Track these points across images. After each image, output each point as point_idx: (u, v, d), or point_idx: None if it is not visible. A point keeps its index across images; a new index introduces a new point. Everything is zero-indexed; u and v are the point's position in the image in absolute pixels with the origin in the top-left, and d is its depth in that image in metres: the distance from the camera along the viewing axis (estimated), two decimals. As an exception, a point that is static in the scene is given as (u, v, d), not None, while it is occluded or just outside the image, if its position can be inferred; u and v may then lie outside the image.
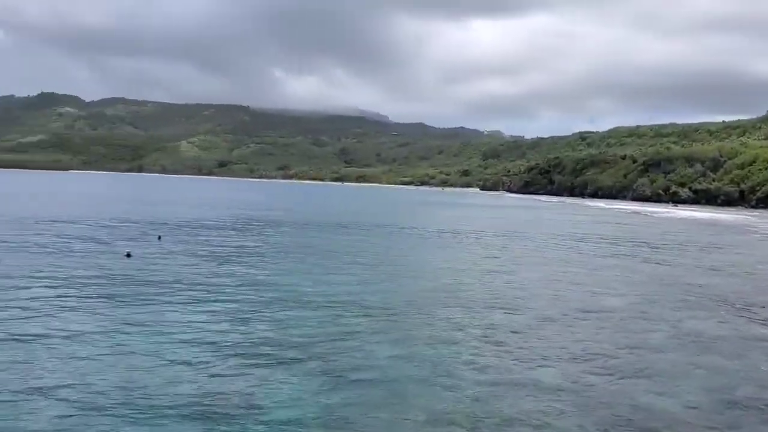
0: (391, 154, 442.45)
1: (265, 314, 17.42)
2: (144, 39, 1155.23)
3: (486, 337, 15.68)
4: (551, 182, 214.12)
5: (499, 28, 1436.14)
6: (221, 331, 15.47)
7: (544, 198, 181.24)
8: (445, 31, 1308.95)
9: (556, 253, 37.56)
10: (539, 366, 13.44)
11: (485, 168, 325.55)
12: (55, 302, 18.03)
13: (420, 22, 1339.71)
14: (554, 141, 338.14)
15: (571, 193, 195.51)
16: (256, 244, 36.79)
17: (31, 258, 26.93)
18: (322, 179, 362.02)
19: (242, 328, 15.92)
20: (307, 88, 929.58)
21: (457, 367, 13.08)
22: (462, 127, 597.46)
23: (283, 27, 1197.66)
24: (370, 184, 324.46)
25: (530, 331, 16.53)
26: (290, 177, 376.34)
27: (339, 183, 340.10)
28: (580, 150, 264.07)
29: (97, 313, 16.72)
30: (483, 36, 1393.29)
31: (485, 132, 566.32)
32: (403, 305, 19.17)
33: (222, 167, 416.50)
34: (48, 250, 30.06)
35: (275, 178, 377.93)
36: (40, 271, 23.19)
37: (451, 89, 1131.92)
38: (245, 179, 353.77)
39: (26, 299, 18.15)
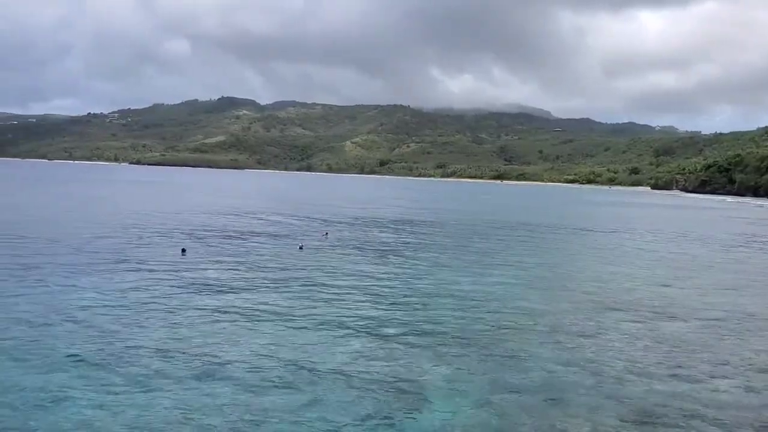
0: (554, 151, 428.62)
1: (426, 307, 18.09)
2: (309, 45, 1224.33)
3: (654, 346, 15.05)
4: (731, 181, 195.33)
5: (665, 18, 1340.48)
6: (374, 317, 16.37)
7: (726, 198, 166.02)
8: (608, 23, 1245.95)
9: (735, 256, 34.76)
10: (713, 377, 12.73)
11: (657, 166, 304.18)
12: (240, 284, 20.43)
13: (580, 15, 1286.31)
14: (735, 137, 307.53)
15: (755, 193, 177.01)
16: (418, 241, 37.96)
17: (219, 244, 30.38)
18: (480, 177, 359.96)
19: (401, 315, 16.76)
20: (466, 87, 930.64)
21: (624, 378, 12.54)
22: (631, 123, 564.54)
23: (439, 27, 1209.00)
24: (531, 183, 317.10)
25: (704, 341, 15.61)
26: (448, 175, 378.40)
27: (498, 181, 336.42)
28: (766, 146, 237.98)
29: (274, 295, 18.66)
30: (649, 27, 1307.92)
31: (657, 127, 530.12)
32: (570, 309, 18.90)
33: (382, 166, 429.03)
34: (233, 239, 33.78)
35: (433, 176, 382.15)
36: (228, 257, 26.21)
37: (617, 83, 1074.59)
38: (404, 178, 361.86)
39: (213, 280, 20.78)
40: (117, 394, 10.76)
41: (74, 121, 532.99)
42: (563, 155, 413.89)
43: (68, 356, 12.56)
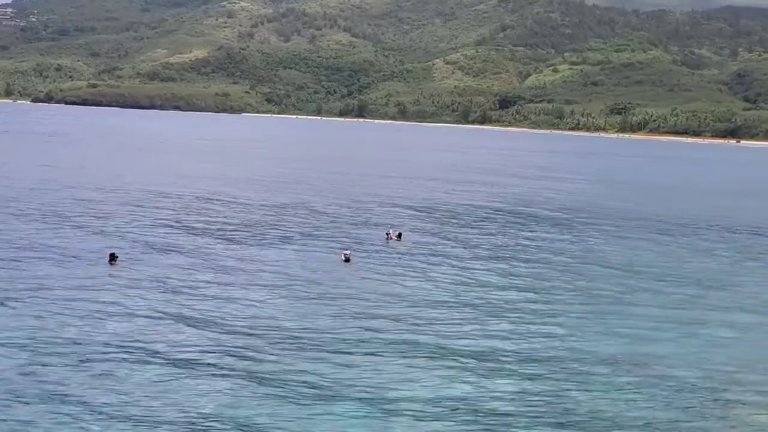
0: None
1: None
2: None
3: None
4: None
5: None
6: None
7: None
8: None
9: None
10: None
11: None
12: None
13: None
14: None
15: None
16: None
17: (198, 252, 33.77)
18: (697, 132, 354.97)
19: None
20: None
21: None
22: None
23: None
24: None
25: None
26: (633, 128, 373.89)
27: (731, 141, 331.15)
28: None
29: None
30: None
31: None
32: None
33: (504, 108, 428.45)
34: (223, 242, 37.84)
35: (603, 129, 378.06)
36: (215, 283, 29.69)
37: None
38: (545, 132, 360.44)
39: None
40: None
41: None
42: None
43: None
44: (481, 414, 20.56)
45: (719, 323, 29.72)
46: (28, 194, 58.98)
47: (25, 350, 24.24)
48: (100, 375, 22.23)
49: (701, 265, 42.05)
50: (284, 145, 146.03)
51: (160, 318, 28.03)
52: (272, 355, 24.65)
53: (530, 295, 33.75)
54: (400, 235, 43.73)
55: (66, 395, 20.85)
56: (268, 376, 22.78)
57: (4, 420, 18.95)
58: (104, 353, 23.98)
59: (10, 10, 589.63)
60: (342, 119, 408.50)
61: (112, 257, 36.81)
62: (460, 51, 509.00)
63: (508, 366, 24.47)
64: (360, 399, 21.36)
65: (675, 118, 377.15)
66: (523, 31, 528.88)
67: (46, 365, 23.02)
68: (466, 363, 24.71)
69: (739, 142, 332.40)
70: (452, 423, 20.02)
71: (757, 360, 26.06)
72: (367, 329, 27.39)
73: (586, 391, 22.44)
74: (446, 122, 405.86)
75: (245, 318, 28.69)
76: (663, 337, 28.28)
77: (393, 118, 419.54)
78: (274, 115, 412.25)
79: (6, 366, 22.55)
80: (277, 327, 27.54)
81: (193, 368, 22.94)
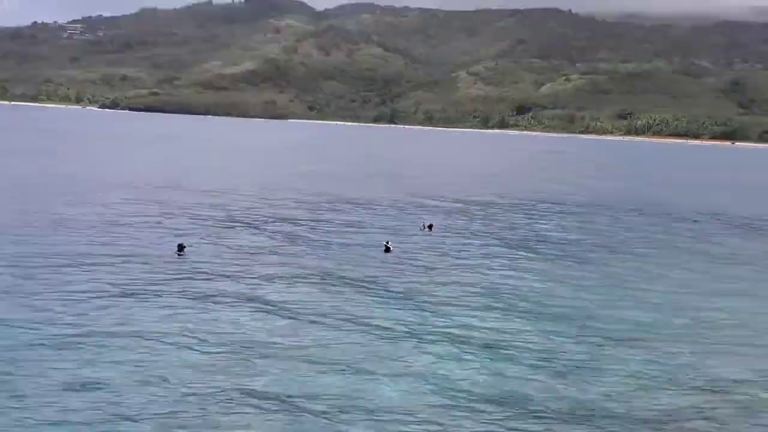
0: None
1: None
2: None
3: None
4: None
5: None
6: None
7: None
8: None
9: None
10: None
11: None
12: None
13: None
14: None
15: None
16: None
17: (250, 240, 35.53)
18: (696, 135, 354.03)
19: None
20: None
21: None
22: None
23: None
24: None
25: None
26: (637, 131, 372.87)
27: (727, 143, 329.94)
28: None
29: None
30: None
31: None
32: None
33: (521, 114, 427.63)
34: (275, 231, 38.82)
35: (611, 132, 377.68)
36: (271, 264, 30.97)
37: None
38: (559, 135, 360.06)
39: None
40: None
41: (10, 35, 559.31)
42: None
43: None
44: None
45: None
46: (153, 192, 59.78)
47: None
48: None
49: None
50: (332, 152, 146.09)
51: (222, 299, 28.01)
52: (327, 331, 24.79)
53: (547, 281, 33.52)
54: (431, 226, 44.64)
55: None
56: (321, 351, 22.63)
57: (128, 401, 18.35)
58: (175, 334, 23.81)
59: (80, 25, 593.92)
60: (376, 125, 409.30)
61: (180, 248, 36.69)
62: (481, 63, 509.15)
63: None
64: (410, 374, 21.14)
65: (676, 122, 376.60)
66: (539, 45, 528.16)
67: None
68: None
69: (734, 144, 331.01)
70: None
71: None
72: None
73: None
74: (468, 127, 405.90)
75: (294, 297, 28.99)
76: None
77: (421, 124, 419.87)
78: (315, 121, 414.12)
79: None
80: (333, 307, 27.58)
81: (250, 349, 22.63)
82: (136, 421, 17.36)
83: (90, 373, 20.01)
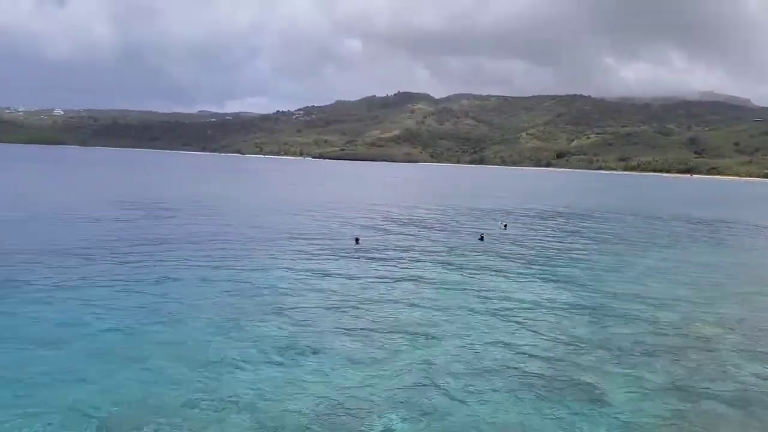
0: (753, 143, 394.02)
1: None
2: (479, 37, 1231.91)
3: None
4: None
5: None
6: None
7: None
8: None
9: None
10: None
11: None
12: (418, 268, 27.32)
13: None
14: None
15: None
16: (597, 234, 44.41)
17: (412, 231, 40.76)
18: (667, 171, 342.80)
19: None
20: (648, 75, 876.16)
21: None
22: None
23: (610, 14, 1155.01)
24: (727, 178, 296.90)
25: None
26: (632, 168, 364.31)
27: (687, 175, 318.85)
28: None
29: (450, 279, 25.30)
30: None
31: None
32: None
33: (559, 158, 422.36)
34: (415, 226, 43.74)
35: (615, 169, 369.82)
36: (412, 244, 34.86)
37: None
38: (583, 171, 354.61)
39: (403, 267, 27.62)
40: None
41: (264, 118, 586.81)
42: (765, 147, 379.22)
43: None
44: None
45: None
46: (344, 202, 60.38)
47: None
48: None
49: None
50: (446, 181, 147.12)
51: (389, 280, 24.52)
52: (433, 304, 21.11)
53: (602, 265, 30.53)
54: (506, 226, 44.49)
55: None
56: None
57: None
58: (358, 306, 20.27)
59: (302, 111, 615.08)
60: (470, 165, 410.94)
61: (357, 240, 34.44)
62: (535, 128, 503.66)
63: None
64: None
65: (655, 163, 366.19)
66: (570, 116, 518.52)
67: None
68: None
69: (692, 176, 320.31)
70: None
71: None
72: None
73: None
74: (526, 166, 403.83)
75: (426, 271, 26.67)
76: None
77: (498, 164, 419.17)
78: (435, 164, 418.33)
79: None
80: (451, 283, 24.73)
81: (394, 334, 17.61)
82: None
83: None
